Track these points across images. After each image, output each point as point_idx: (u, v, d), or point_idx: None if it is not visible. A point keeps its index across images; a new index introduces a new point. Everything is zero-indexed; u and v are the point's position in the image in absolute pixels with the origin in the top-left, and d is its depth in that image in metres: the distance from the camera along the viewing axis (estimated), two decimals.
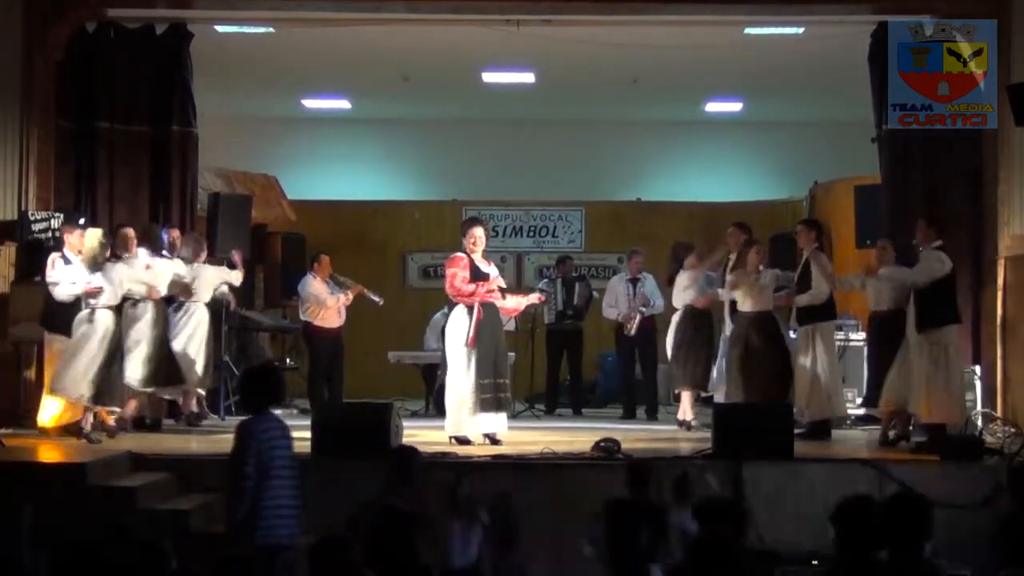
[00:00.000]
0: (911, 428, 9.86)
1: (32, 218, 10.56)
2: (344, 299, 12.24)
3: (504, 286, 9.54)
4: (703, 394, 10.95)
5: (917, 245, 9.56)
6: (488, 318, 9.31)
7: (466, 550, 6.37)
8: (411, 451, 7.22)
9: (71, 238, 9.64)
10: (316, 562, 4.85)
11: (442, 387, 10.00)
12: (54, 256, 9.59)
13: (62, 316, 9.45)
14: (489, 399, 9.23)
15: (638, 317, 12.32)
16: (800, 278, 10.07)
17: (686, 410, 10.86)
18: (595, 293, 13.18)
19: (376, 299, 12.40)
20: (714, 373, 10.76)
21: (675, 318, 11.07)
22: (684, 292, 10.99)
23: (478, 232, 9.41)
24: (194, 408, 10.64)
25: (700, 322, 10.95)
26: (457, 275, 9.32)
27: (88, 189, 11.32)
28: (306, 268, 13.28)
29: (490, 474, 8.02)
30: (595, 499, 6.53)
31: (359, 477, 7.95)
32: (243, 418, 6.31)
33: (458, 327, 9.34)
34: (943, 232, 9.51)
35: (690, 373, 10.84)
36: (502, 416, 9.40)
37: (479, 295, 9.26)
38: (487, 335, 9.27)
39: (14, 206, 10.82)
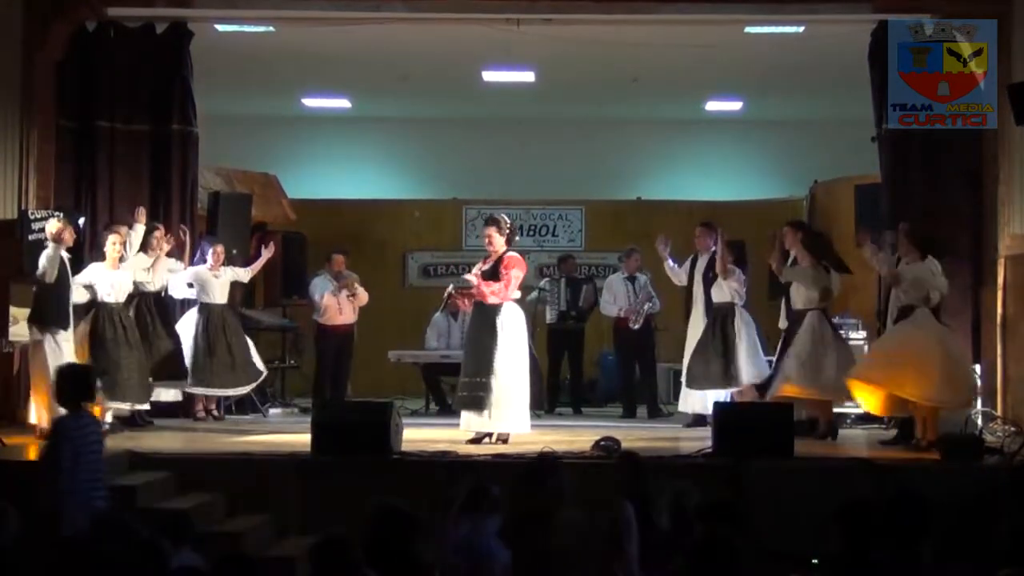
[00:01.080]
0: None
1: (32, 217, 10.55)
2: (334, 293, 12.23)
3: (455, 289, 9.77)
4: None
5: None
6: (473, 318, 9.56)
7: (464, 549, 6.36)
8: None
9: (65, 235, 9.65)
10: (317, 562, 4.85)
11: None
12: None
13: (56, 311, 9.46)
14: (464, 397, 9.37)
15: (645, 309, 12.36)
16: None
17: None
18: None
19: (358, 288, 12.36)
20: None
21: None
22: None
23: (488, 231, 9.52)
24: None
25: None
26: None
27: (88, 188, 11.31)
28: (306, 267, 13.34)
29: (490, 473, 8.01)
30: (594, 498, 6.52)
31: (359, 476, 7.98)
32: (60, 415, 6.76)
33: None
34: (930, 248, 9.43)
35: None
36: (489, 414, 9.32)
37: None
38: (471, 335, 9.58)
39: (14, 205, 10.82)
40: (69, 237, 9.57)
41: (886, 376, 9.18)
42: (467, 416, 9.36)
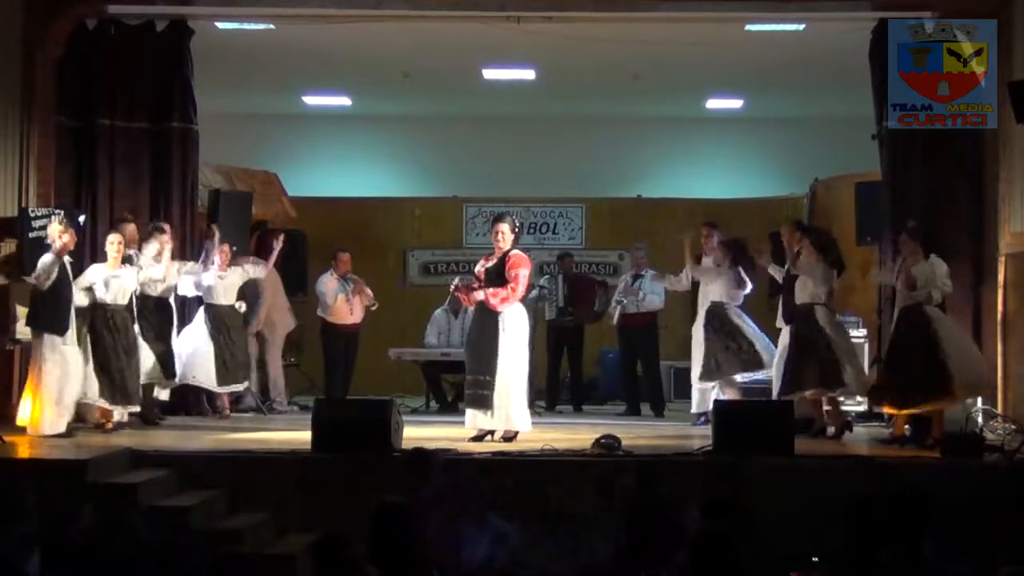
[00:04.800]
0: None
1: (32, 215, 10.55)
2: (345, 297, 12.25)
3: (460, 283, 9.74)
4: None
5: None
6: (476, 317, 9.50)
7: (473, 548, 6.35)
8: (427, 453, 7.38)
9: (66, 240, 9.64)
10: (318, 559, 4.86)
11: None
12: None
13: (52, 316, 9.47)
14: (470, 395, 9.42)
15: (618, 308, 12.34)
16: (787, 277, 10.09)
17: None
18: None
19: (368, 293, 12.39)
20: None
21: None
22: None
23: (499, 227, 9.46)
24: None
25: None
26: None
27: (88, 186, 11.32)
28: (306, 265, 13.33)
29: (492, 471, 8.03)
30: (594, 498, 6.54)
31: (360, 474, 7.98)
32: None
33: None
34: (930, 244, 9.45)
35: None
36: (493, 413, 9.34)
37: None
38: (473, 334, 9.54)
39: (14, 203, 10.81)
40: (71, 241, 9.59)
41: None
42: (472, 413, 9.39)
